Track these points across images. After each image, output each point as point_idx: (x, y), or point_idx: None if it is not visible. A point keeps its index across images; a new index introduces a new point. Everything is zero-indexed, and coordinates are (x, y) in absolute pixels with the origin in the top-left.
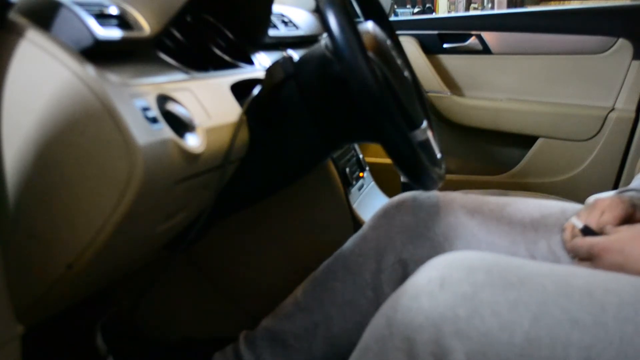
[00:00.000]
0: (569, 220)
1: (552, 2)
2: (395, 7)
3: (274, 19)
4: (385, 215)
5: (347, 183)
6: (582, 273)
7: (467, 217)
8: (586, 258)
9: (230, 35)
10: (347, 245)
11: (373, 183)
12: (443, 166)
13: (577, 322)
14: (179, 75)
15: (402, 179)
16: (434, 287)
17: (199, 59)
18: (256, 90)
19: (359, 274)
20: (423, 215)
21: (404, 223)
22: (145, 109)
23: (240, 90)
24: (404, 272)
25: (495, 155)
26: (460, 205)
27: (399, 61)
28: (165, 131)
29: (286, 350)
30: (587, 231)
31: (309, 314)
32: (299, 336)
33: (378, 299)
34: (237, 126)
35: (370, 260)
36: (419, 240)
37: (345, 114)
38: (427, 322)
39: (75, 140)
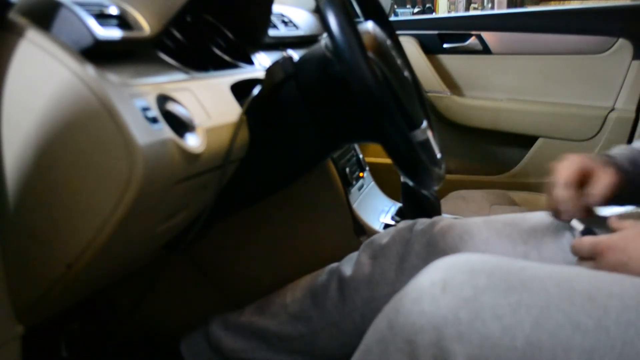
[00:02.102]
0: (571, 223)
1: (552, 2)
2: (395, 7)
3: (274, 19)
4: (381, 247)
5: (347, 183)
6: (585, 276)
7: (457, 240)
8: (589, 257)
9: (230, 35)
10: (343, 266)
11: (373, 183)
12: (443, 166)
13: (579, 326)
14: (179, 75)
15: (402, 179)
16: (436, 290)
17: (199, 59)
18: (256, 90)
19: (350, 299)
20: (417, 247)
21: (399, 254)
22: (145, 109)
23: (240, 90)
24: None
25: (495, 155)
26: (456, 233)
27: (399, 61)
28: (165, 131)
29: (270, 347)
30: (587, 233)
31: (296, 322)
32: (283, 340)
33: (364, 325)
34: (237, 126)
35: (364, 288)
36: (412, 271)
37: (345, 114)
38: (429, 325)
39: (75, 140)
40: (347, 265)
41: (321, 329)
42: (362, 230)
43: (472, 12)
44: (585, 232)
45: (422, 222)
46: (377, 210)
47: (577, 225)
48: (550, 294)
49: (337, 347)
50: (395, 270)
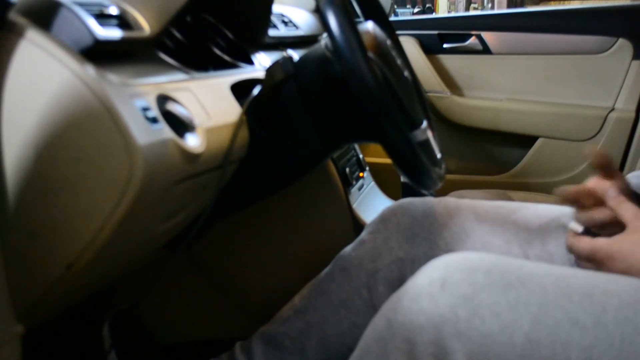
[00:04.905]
0: (569, 225)
1: (552, 2)
2: (395, 7)
3: (274, 19)
4: (382, 219)
5: (347, 183)
6: (582, 274)
7: (462, 218)
8: (588, 260)
9: (230, 35)
10: (346, 250)
11: (373, 183)
12: (443, 166)
13: (577, 323)
14: (179, 75)
15: (402, 179)
16: (434, 288)
17: (199, 59)
18: (256, 90)
19: (355, 275)
20: (419, 217)
21: (400, 224)
22: (145, 109)
23: (240, 90)
24: (400, 271)
25: (495, 155)
26: (456, 207)
27: (399, 61)
28: (165, 131)
29: (280, 352)
30: (587, 234)
31: (303, 315)
32: (293, 338)
33: (372, 298)
34: (237, 126)
35: (367, 262)
36: (415, 239)
37: (345, 114)
38: (428, 324)
39: (75, 140)
40: (348, 248)
41: (329, 314)
42: (362, 230)
43: (472, 12)
44: (585, 234)
45: (424, 199)
46: (377, 210)
47: (576, 227)
48: (548, 291)
49: (347, 328)
50: (397, 239)
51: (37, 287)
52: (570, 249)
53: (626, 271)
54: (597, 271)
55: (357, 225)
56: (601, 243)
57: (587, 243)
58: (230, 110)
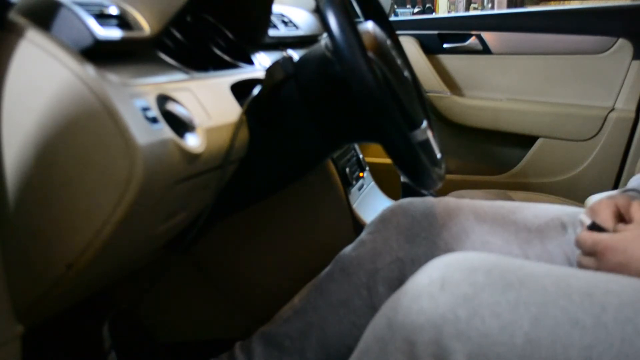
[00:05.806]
0: (579, 216)
1: (552, 2)
2: (395, 7)
3: (274, 19)
4: (382, 219)
5: (347, 183)
6: (582, 274)
7: (462, 218)
8: (589, 254)
9: (230, 35)
10: (346, 250)
11: (373, 183)
12: (443, 166)
13: (578, 323)
14: (179, 75)
15: (402, 179)
16: (434, 288)
17: (199, 59)
18: (256, 90)
19: (354, 274)
20: (419, 217)
21: (400, 224)
22: (145, 109)
23: (240, 90)
24: (400, 271)
25: (495, 155)
26: (456, 207)
27: (399, 61)
28: (165, 131)
29: (280, 352)
30: (594, 228)
31: (303, 315)
32: (293, 338)
33: (372, 298)
34: (237, 126)
35: (367, 262)
36: (415, 240)
37: (345, 114)
38: (428, 324)
39: (75, 140)
40: (348, 248)
41: (329, 313)
42: (362, 230)
43: (472, 12)
44: (593, 227)
45: (424, 199)
46: (377, 210)
47: (586, 219)
48: (548, 291)
49: (347, 328)
50: (397, 239)
51: (37, 287)
52: (577, 243)
53: (626, 263)
54: (597, 269)
55: (357, 225)
56: (603, 236)
57: (590, 235)
58: (230, 110)
